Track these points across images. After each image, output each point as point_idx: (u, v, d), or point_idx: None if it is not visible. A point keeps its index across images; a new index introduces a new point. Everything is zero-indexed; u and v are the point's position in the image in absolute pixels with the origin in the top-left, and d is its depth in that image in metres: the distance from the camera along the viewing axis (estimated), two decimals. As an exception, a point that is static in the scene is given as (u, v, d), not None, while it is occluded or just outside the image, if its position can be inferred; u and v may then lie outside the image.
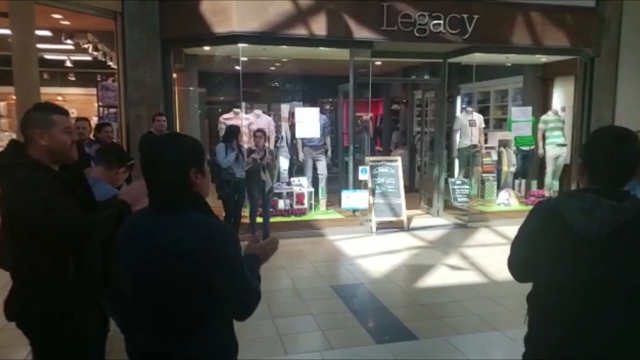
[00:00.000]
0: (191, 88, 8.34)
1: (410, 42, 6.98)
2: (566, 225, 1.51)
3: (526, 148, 8.77)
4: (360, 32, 6.72)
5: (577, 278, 1.54)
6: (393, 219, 7.36)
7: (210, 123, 10.74)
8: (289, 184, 7.95)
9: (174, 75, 7.13)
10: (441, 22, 6.88)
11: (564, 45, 7.59)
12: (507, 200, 8.49)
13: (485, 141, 8.99)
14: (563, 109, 8.79)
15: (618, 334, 1.53)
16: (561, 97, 8.97)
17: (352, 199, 7.20)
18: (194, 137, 1.66)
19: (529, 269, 1.65)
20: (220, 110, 10.78)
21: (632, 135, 1.57)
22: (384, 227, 7.26)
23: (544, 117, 8.41)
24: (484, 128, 9.06)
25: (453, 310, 4.40)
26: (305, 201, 7.73)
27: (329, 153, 8.75)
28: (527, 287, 1.69)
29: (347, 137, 8.07)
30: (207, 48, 7.25)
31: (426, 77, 10.17)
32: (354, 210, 7.51)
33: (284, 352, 3.59)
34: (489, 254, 5.95)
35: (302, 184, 7.79)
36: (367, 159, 7.59)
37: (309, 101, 11.69)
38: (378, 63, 8.39)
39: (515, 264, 1.69)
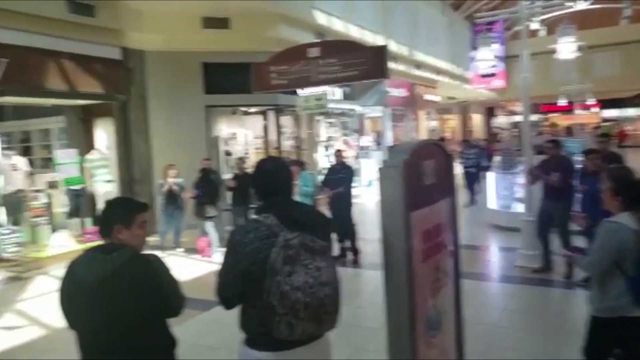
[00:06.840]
0: None
1: None
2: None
3: (77, 187, 8.80)
4: None
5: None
6: None
7: None
8: None
9: None
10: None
11: (97, 92, 8.34)
12: (65, 242, 8.10)
13: (33, 183, 8.58)
14: (107, 148, 9.54)
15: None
16: (103, 137, 9.72)
17: None
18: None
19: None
20: None
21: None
22: None
23: (88, 157, 8.86)
24: (30, 170, 8.63)
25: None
26: None
27: None
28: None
29: None
30: None
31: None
32: None
33: None
34: (48, 303, 5.37)
35: None
36: None
37: None
38: None
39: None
